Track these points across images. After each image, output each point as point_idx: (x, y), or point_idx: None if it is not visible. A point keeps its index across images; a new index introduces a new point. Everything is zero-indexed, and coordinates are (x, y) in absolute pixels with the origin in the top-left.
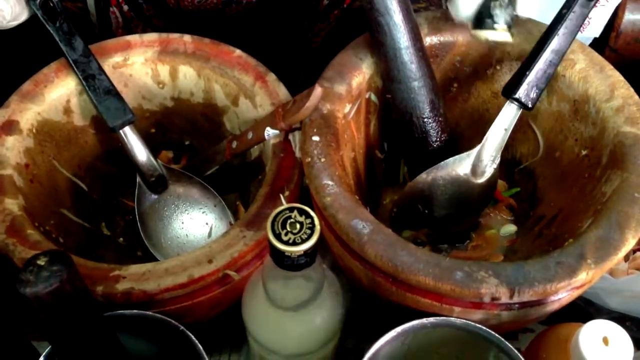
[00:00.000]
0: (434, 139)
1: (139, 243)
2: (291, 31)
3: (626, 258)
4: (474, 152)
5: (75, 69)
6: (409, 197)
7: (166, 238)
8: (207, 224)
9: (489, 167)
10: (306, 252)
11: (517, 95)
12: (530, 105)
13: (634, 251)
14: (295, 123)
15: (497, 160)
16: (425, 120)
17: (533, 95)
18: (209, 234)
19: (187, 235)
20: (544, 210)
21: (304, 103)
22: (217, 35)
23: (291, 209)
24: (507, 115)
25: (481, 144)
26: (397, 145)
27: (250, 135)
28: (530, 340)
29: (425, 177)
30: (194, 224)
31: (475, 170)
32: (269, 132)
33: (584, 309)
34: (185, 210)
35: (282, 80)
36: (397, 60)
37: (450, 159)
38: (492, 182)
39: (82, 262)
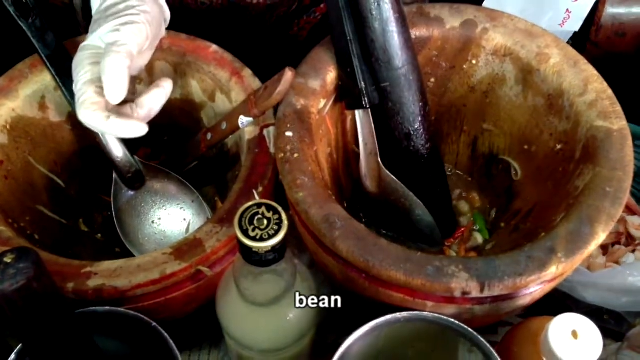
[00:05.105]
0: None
1: (117, 239)
2: (277, 24)
3: (604, 251)
4: None
5: (49, 66)
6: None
7: (143, 234)
8: (184, 219)
9: None
10: (274, 248)
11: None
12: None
13: (612, 244)
14: (268, 109)
15: None
16: None
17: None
18: (187, 230)
19: (164, 231)
20: (520, 205)
21: (276, 88)
22: (199, 29)
23: (259, 205)
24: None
25: None
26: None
27: (224, 125)
28: (503, 334)
29: None
30: (172, 219)
31: None
32: (243, 120)
33: (562, 302)
34: (163, 206)
35: (268, 73)
36: None
37: None
38: None
39: (54, 258)
